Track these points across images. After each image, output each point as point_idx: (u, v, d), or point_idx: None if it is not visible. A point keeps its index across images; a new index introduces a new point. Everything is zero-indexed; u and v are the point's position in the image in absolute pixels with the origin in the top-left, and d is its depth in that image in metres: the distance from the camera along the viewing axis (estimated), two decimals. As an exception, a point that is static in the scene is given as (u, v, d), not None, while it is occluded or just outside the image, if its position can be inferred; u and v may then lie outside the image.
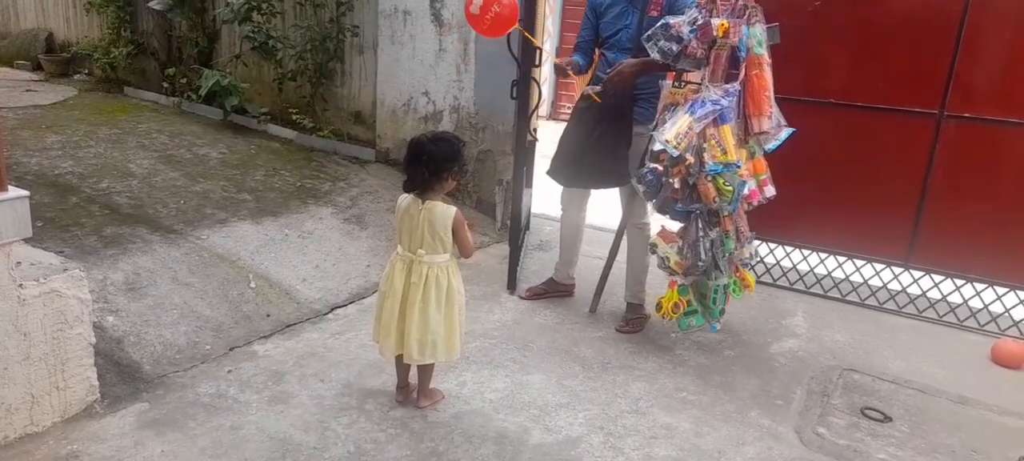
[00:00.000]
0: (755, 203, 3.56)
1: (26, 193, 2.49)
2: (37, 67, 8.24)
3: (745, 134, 3.41)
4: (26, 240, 2.56)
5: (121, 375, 2.96)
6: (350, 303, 3.96)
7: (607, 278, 4.05)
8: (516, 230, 4.34)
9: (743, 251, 3.59)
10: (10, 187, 2.47)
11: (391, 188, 5.36)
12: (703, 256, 3.35)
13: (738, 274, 3.66)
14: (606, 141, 3.68)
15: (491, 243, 5.06)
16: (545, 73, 4.17)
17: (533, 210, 5.35)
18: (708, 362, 3.55)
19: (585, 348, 3.60)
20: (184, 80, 6.73)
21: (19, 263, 2.52)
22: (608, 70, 3.66)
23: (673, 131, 3.20)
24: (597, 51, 3.83)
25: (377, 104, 5.79)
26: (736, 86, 3.29)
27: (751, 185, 3.49)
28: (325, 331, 3.60)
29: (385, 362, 3.22)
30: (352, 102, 6.14)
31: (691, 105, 3.24)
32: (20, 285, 2.49)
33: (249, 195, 4.78)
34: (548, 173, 4.00)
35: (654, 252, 3.55)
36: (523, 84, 4.06)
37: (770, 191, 3.61)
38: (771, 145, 3.53)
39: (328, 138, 5.90)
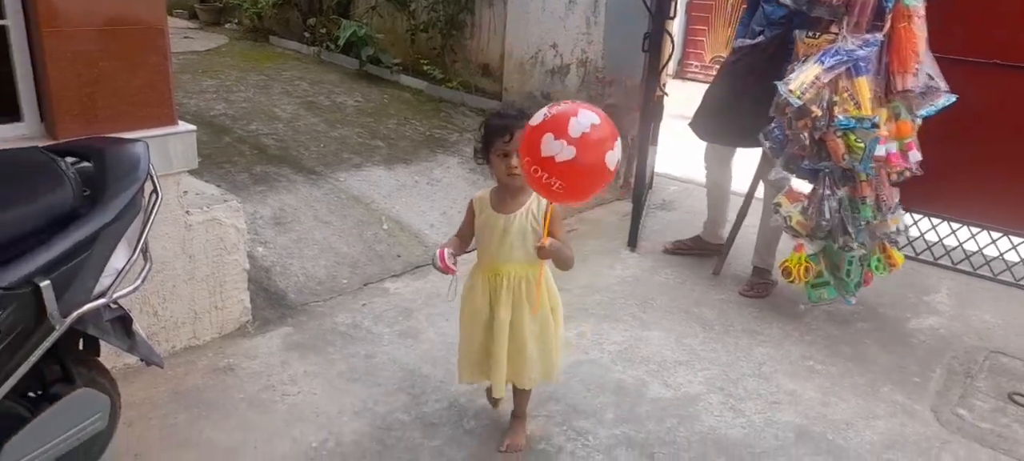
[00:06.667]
0: (896, 168, 3.21)
1: (193, 128, 2.72)
2: (193, 16, 8.87)
3: (886, 92, 3.12)
4: (191, 172, 2.82)
5: (269, 301, 3.22)
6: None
7: (734, 240, 3.95)
8: (640, 188, 4.29)
9: (886, 223, 3.31)
10: (179, 122, 2.71)
11: (516, 141, 5.42)
12: (828, 215, 3.17)
13: (883, 250, 3.42)
14: (752, 95, 3.46)
15: (612, 200, 5.04)
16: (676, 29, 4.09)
17: (657, 169, 5.25)
18: (838, 333, 3.40)
19: (706, 309, 3.54)
20: (323, 30, 7.04)
21: (186, 192, 2.78)
22: (764, 20, 3.51)
23: (797, 80, 3.01)
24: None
25: (505, 57, 5.84)
26: (878, 36, 3.02)
27: (891, 147, 3.16)
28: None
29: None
30: (480, 54, 6.22)
31: (822, 54, 3.03)
32: (187, 212, 2.75)
33: (382, 142, 4.99)
34: (690, 125, 3.92)
35: (777, 212, 3.38)
36: (656, 37, 3.97)
37: (915, 156, 3.25)
38: (925, 110, 3.20)
39: (456, 89, 6.03)
